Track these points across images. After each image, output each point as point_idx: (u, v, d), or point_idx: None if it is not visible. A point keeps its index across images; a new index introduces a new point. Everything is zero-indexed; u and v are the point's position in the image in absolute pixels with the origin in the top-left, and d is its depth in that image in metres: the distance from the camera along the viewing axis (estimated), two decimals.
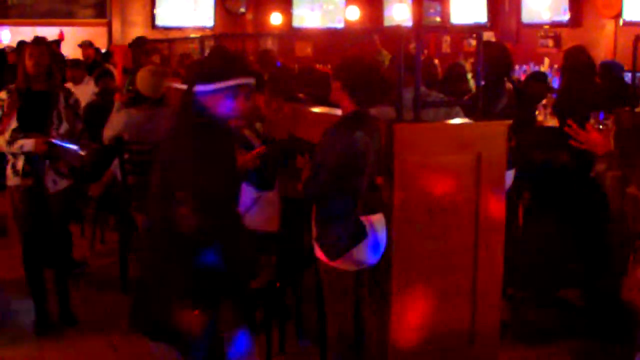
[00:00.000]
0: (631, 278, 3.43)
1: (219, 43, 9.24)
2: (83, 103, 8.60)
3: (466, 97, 6.04)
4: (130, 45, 12.06)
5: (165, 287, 3.46)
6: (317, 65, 11.29)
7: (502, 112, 5.81)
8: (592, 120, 3.85)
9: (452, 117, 5.34)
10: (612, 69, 7.56)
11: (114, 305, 6.28)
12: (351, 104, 4.52)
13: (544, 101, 8.68)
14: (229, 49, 3.59)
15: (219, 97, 3.34)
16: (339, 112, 4.80)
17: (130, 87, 8.18)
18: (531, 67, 11.40)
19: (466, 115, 5.38)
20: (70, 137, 5.82)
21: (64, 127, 5.81)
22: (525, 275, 6.26)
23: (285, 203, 5.50)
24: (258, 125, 5.66)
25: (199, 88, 3.34)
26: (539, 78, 6.95)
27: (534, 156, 6.32)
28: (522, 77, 9.36)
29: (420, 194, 4.92)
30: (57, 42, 12.55)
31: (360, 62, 4.66)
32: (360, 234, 4.47)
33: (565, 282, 6.34)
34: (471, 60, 8.37)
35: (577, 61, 6.50)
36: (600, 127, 3.81)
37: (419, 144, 4.93)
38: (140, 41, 11.82)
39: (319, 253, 4.56)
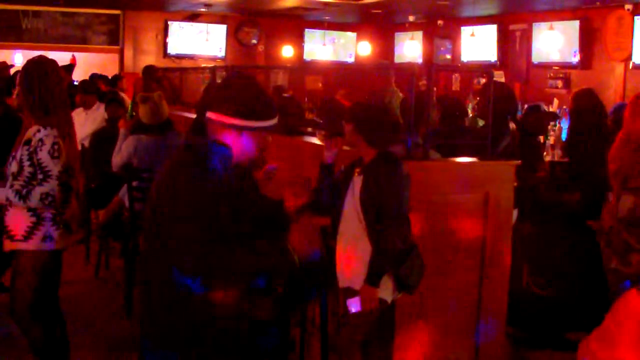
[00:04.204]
0: None
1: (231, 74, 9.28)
2: (92, 128, 8.72)
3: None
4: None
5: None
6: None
7: (505, 150, 5.85)
8: None
9: None
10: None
11: (119, 332, 6.25)
12: (367, 147, 4.40)
13: (551, 141, 8.70)
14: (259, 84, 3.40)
15: (254, 135, 3.19)
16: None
17: (134, 114, 8.22)
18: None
19: (472, 155, 5.40)
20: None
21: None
22: (529, 315, 6.22)
23: None
24: None
25: (241, 123, 3.16)
26: (534, 109, 6.97)
27: (543, 196, 6.32)
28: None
29: (427, 231, 4.92)
30: (69, 67, 12.59)
31: (371, 106, 4.59)
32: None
33: (571, 325, 6.29)
34: (477, 98, 8.37)
35: (586, 103, 6.52)
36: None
37: (427, 182, 4.94)
38: (150, 69, 11.88)
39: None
